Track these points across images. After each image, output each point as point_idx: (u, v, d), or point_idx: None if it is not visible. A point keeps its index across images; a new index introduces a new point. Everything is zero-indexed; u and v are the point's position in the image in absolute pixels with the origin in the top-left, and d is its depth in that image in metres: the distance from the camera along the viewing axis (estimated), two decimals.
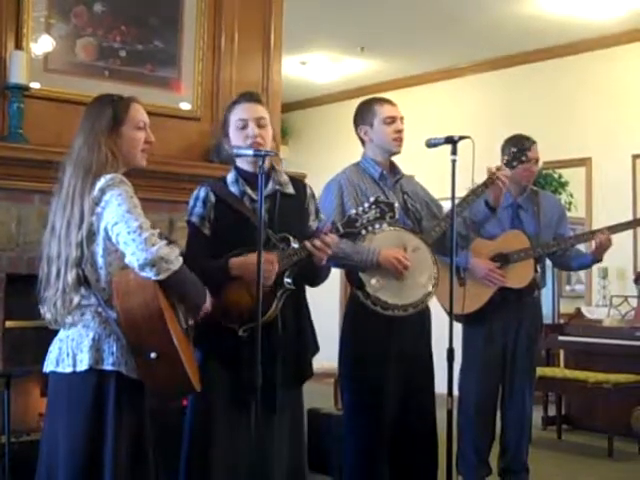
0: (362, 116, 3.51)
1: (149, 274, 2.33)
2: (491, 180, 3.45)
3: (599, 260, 4.12)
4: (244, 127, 2.90)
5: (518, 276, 4.00)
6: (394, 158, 3.53)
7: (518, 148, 3.59)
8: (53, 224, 2.48)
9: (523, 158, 3.55)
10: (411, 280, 3.29)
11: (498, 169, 3.47)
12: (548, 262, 4.33)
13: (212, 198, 2.89)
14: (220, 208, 2.88)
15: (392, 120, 3.44)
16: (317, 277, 2.99)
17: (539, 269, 4.11)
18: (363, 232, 2.89)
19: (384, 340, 3.29)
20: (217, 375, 2.80)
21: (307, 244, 2.79)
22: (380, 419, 3.31)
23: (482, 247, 3.97)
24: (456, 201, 3.15)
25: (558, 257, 4.22)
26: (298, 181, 3.08)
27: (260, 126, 2.90)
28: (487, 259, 3.98)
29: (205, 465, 2.77)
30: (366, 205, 2.83)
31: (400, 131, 3.45)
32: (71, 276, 2.39)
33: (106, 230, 2.38)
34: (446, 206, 3.39)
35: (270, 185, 2.91)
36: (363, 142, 3.54)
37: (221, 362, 2.82)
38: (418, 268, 3.30)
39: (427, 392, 3.42)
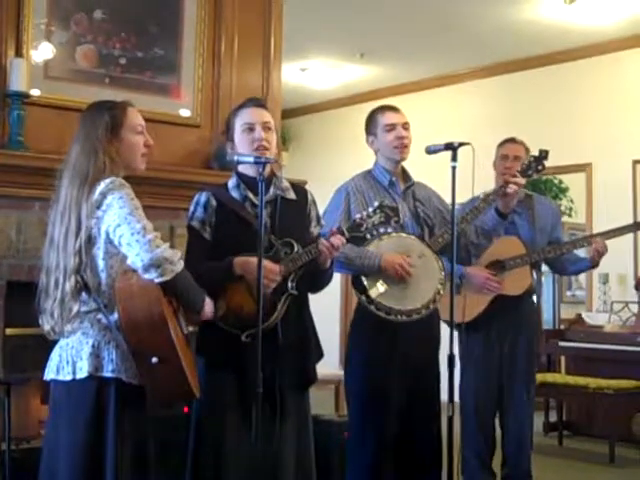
0: (368, 126, 3.53)
1: (153, 275, 2.32)
2: (503, 190, 3.45)
3: (596, 265, 4.11)
4: (251, 130, 2.89)
5: (515, 283, 3.97)
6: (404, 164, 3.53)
7: (534, 157, 3.55)
8: (52, 235, 2.47)
9: (540, 167, 3.53)
10: (415, 286, 3.28)
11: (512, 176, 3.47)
12: (544, 267, 4.32)
13: (213, 203, 2.88)
14: (222, 213, 2.87)
15: (392, 127, 3.44)
16: (320, 281, 2.97)
17: (535, 275, 4.10)
18: (368, 236, 2.89)
19: (389, 346, 3.29)
20: (221, 382, 2.79)
21: (320, 244, 2.78)
22: (385, 426, 3.30)
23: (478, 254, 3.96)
24: (461, 208, 3.15)
25: (555, 261, 4.19)
26: (299, 187, 3.08)
27: (266, 130, 2.90)
28: (483, 266, 3.96)
29: (214, 472, 2.76)
30: (370, 209, 2.84)
31: (401, 137, 3.43)
32: (70, 284, 2.38)
33: (107, 233, 2.38)
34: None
35: (271, 190, 2.91)
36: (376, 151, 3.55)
37: (225, 369, 2.81)
38: (423, 274, 3.29)
39: (432, 398, 3.42)
